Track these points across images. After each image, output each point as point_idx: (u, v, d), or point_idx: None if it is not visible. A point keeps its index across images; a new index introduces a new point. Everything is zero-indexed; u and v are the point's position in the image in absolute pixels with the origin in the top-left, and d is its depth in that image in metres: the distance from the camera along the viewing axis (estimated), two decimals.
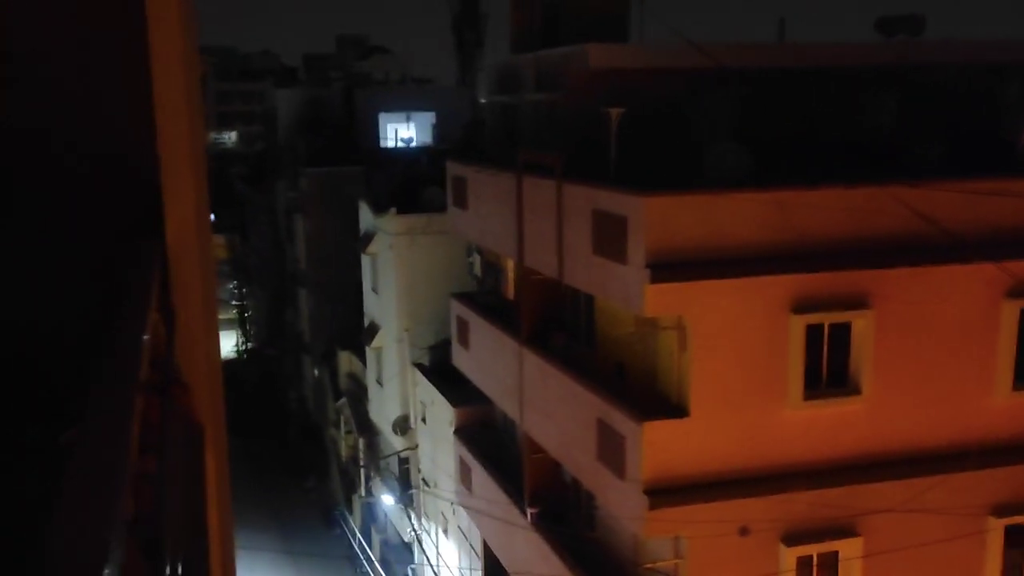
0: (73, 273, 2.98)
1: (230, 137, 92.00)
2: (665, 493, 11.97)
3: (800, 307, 12.08)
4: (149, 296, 2.17)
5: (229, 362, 54.04)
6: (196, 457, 2.63)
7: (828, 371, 12.45)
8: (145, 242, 2.74)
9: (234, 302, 58.80)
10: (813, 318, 12.15)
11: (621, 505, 12.74)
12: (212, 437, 3.05)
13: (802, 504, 12.30)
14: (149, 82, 2.84)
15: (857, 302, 12.28)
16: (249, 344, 55.94)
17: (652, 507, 11.89)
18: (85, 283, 2.93)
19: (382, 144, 36.28)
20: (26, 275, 3.07)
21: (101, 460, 1.37)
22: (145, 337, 1.86)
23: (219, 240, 59.60)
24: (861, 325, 12.35)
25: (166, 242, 2.84)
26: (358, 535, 31.98)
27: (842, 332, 12.39)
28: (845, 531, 12.66)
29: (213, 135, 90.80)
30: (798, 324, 12.08)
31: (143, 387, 1.72)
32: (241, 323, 57.25)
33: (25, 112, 2.94)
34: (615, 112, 13.25)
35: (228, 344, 56.26)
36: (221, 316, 56.08)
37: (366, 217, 27.47)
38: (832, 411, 12.53)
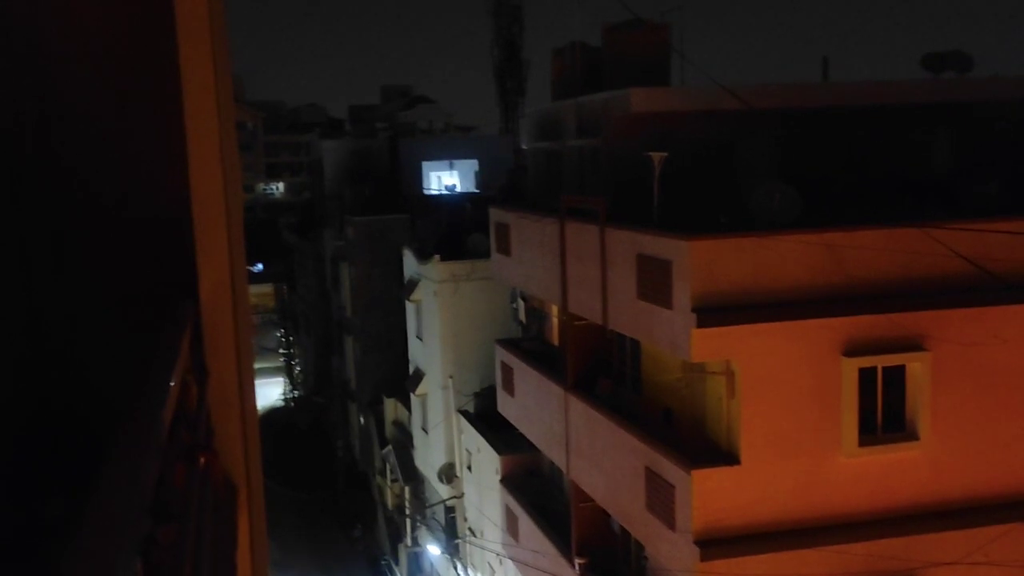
0: (110, 332, 2.96)
1: (278, 188, 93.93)
2: (717, 544, 11.62)
3: (852, 350, 11.76)
4: (175, 358, 2.13)
5: (277, 410, 54.44)
6: (227, 522, 2.56)
7: (884, 416, 12.07)
8: (178, 302, 2.72)
9: (281, 350, 59.41)
10: (866, 361, 11.81)
11: (672, 556, 12.40)
12: (247, 498, 2.99)
13: (860, 555, 11.85)
14: (184, 144, 2.85)
15: (911, 344, 11.92)
16: (296, 392, 56.37)
17: (704, 558, 11.54)
18: (120, 342, 2.91)
19: (426, 192, 36.66)
20: (65, 334, 3.07)
21: (103, 536, 1.31)
22: (166, 404, 1.81)
23: (267, 289, 60.53)
24: (917, 368, 11.98)
25: (200, 301, 2.82)
26: None
27: (897, 376, 12.03)
28: None
29: (262, 186, 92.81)
30: (850, 368, 11.75)
31: (160, 455, 1.66)
32: (288, 371, 57.76)
33: (64, 173, 2.97)
34: (658, 156, 13.18)
35: (275, 392, 56.77)
36: (269, 364, 56.31)
37: (410, 264, 27.65)
38: (889, 458, 12.11)
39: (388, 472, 33.10)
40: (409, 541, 30.51)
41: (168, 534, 1.59)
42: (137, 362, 2.49)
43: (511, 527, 19.59)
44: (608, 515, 15.45)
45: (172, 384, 1.94)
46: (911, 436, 12.08)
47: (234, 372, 3.01)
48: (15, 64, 2.85)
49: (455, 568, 25.44)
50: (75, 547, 1.27)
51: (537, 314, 19.70)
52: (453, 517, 25.90)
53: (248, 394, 3.11)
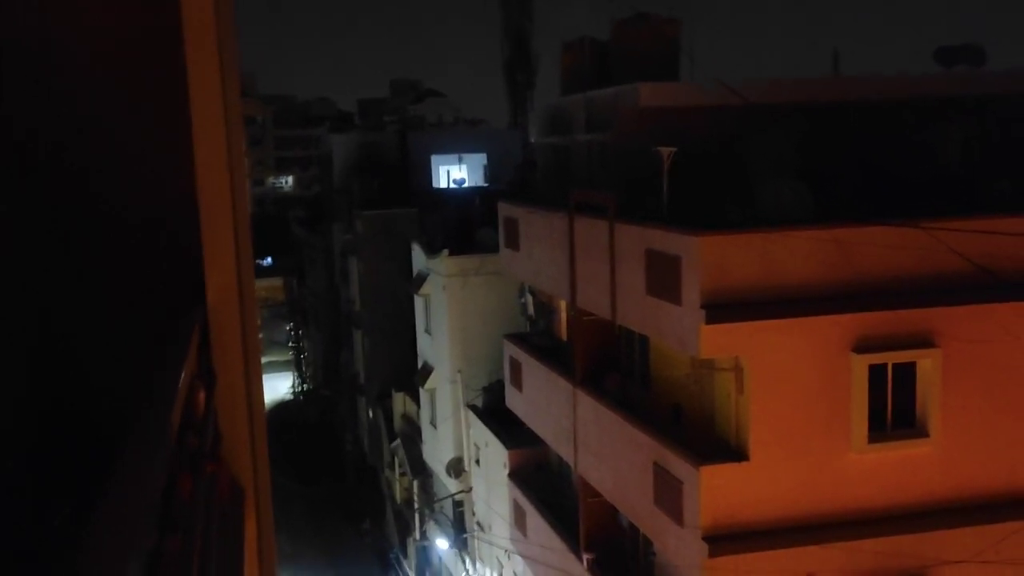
0: (119, 337, 2.97)
1: (288, 181, 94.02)
2: (725, 540, 11.61)
3: (862, 346, 11.71)
4: (182, 363, 2.13)
5: (286, 404, 54.63)
6: (233, 528, 2.56)
7: (893, 413, 12.01)
8: (186, 306, 2.72)
9: (291, 344, 59.56)
10: (876, 358, 11.76)
11: (679, 552, 12.39)
12: (254, 502, 2.99)
13: (870, 553, 11.81)
14: (191, 148, 2.86)
15: (922, 341, 11.86)
16: (306, 385, 56.52)
17: (712, 555, 11.53)
18: (130, 347, 2.91)
19: (435, 186, 36.64)
20: (75, 340, 3.07)
21: (109, 543, 1.30)
22: (173, 409, 1.81)
23: (277, 282, 60.70)
24: (927, 365, 11.92)
25: (207, 307, 2.82)
26: None
27: (907, 372, 11.97)
28: None
29: (272, 180, 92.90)
30: (860, 364, 11.70)
31: (167, 461, 1.66)
32: (298, 365, 57.91)
33: (74, 178, 2.97)
34: (667, 151, 13.13)
35: (284, 386, 56.95)
36: (279, 358, 56.45)
37: (419, 258, 27.65)
38: (899, 454, 12.06)
39: (396, 466, 33.18)
40: (418, 535, 30.60)
41: (174, 543, 1.58)
42: (146, 366, 2.49)
43: (519, 522, 19.61)
44: (616, 510, 15.44)
45: (179, 389, 1.94)
46: (921, 433, 12.03)
47: (241, 376, 3.01)
48: (31, 74, 2.86)
49: (463, 562, 25.50)
50: (80, 555, 1.27)
51: (546, 309, 19.68)
52: (461, 511, 25.95)
53: (256, 398, 3.12)
